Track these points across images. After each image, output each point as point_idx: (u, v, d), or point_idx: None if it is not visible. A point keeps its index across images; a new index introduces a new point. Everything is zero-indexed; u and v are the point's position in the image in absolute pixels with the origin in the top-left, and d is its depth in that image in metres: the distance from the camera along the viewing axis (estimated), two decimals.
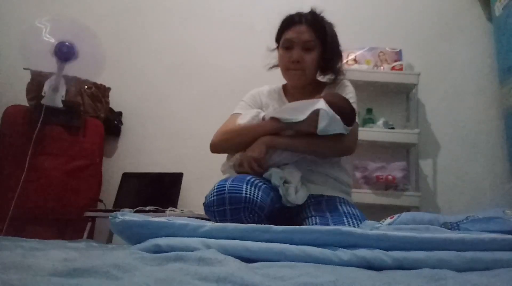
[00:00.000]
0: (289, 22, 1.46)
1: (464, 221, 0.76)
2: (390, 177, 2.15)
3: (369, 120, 2.24)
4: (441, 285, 0.52)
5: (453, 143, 2.39)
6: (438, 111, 2.43)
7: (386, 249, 0.64)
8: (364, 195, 2.09)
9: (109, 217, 0.80)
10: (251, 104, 1.53)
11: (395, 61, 2.32)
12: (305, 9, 1.50)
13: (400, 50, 2.35)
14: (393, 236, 0.65)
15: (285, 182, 1.26)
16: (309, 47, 1.42)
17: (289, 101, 1.50)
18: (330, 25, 1.48)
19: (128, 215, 0.79)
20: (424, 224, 0.76)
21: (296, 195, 1.24)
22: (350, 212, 1.24)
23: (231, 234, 0.69)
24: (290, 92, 1.54)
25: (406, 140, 2.21)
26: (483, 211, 0.82)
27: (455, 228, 0.75)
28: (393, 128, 2.25)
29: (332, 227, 0.69)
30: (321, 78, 1.57)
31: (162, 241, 0.68)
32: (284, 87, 1.58)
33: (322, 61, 1.48)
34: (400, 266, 0.62)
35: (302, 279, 0.52)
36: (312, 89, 1.50)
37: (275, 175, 1.24)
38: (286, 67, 1.46)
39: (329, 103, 1.30)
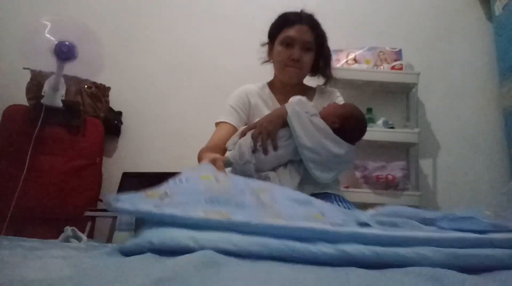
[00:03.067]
0: (290, 20, 1.46)
1: (442, 218, 0.78)
2: (390, 176, 2.15)
3: (369, 120, 2.24)
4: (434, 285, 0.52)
5: (453, 142, 2.39)
6: (438, 110, 2.43)
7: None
8: (364, 195, 2.09)
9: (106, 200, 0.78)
10: (238, 108, 1.50)
11: (395, 60, 2.32)
12: (306, 8, 1.51)
13: (400, 50, 2.35)
14: (366, 234, 0.65)
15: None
16: (308, 48, 1.45)
17: (278, 99, 1.51)
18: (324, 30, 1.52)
19: (122, 201, 0.77)
20: (404, 218, 0.78)
21: None
22: (347, 207, 1.26)
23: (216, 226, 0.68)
24: (278, 90, 1.54)
25: (406, 140, 2.21)
26: (463, 210, 0.84)
27: (431, 224, 0.77)
28: (393, 127, 2.25)
29: (307, 224, 0.68)
30: (308, 80, 1.59)
31: (155, 239, 0.67)
32: (271, 84, 1.57)
33: (315, 63, 1.51)
34: (384, 262, 0.62)
35: None
36: (300, 90, 1.51)
37: None
38: (285, 64, 1.46)
39: (348, 116, 1.31)
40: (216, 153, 1.35)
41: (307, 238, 0.65)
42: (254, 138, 1.25)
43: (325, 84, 1.57)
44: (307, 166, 1.25)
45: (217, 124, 1.50)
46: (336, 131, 1.30)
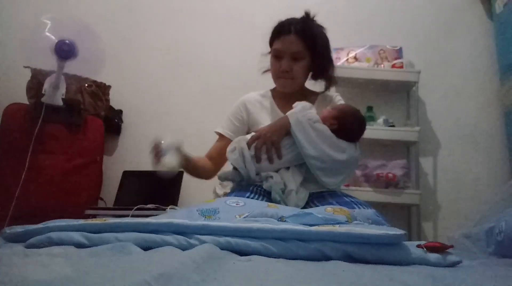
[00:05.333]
0: (278, 32, 1.47)
1: (295, 216, 0.88)
2: (390, 175, 2.15)
3: (370, 118, 2.23)
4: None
5: (453, 141, 2.39)
6: (439, 109, 2.43)
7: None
8: (364, 193, 2.09)
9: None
10: (235, 120, 1.54)
11: (396, 59, 2.31)
12: (307, 7, 1.50)
13: (401, 48, 2.35)
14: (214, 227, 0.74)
15: (284, 184, 1.26)
16: (298, 57, 1.45)
17: (278, 106, 1.53)
18: (321, 32, 1.49)
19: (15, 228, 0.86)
20: (268, 217, 0.90)
21: (296, 197, 1.24)
22: (354, 200, 1.26)
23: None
24: (279, 97, 1.56)
25: (406, 138, 2.21)
26: (312, 208, 1.04)
27: (283, 221, 0.88)
28: (393, 126, 2.25)
29: (168, 220, 0.75)
30: (313, 84, 1.59)
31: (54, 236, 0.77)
32: (273, 91, 1.60)
33: (313, 69, 1.51)
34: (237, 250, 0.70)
35: None
36: (301, 96, 1.51)
37: (275, 188, 1.24)
38: (276, 75, 1.49)
39: (342, 116, 1.34)
40: (209, 162, 1.53)
41: (163, 231, 0.74)
42: (258, 148, 1.29)
43: (326, 88, 1.57)
44: (315, 175, 1.30)
45: (218, 137, 1.57)
46: (337, 131, 1.32)
